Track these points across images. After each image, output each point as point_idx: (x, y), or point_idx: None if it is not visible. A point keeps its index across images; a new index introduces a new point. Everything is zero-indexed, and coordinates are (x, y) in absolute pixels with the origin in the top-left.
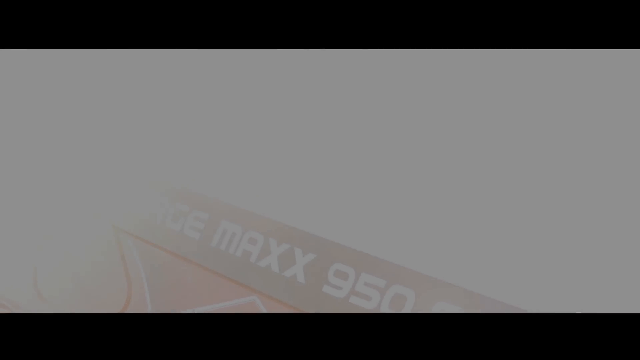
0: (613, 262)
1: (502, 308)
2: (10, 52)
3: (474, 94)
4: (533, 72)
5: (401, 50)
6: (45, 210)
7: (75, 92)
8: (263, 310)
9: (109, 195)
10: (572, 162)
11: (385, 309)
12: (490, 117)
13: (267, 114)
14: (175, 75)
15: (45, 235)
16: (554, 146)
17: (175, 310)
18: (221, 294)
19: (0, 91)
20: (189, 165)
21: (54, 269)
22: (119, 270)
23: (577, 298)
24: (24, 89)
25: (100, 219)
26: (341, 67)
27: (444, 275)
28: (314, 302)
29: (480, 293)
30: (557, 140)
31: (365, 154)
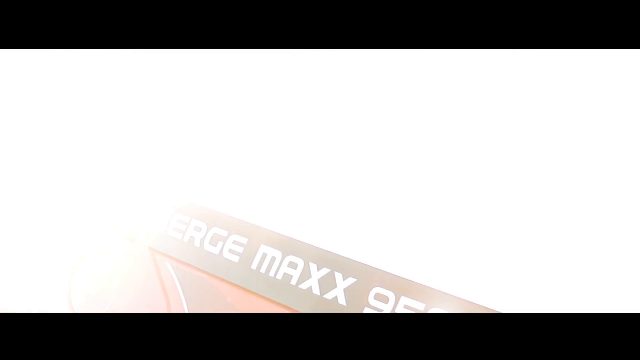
0: (611, 264)
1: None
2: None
3: (472, 97)
4: (533, 73)
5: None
6: (81, 231)
7: (111, 106)
8: None
9: (145, 219)
10: (570, 165)
11: None
12: (489, 120)
13: (297, 141)
14: (211, 93)
15: (80, 256)
16: (553, 148)
17: None
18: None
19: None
20: (226, 191)
21: (89, 289)
22: (158, 292)
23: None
24: (38, 91)
25: (137, 242)
26: (343, 69)
27: (481, 299)
28: None
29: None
30: (554, 142)
31: (401, 181)
